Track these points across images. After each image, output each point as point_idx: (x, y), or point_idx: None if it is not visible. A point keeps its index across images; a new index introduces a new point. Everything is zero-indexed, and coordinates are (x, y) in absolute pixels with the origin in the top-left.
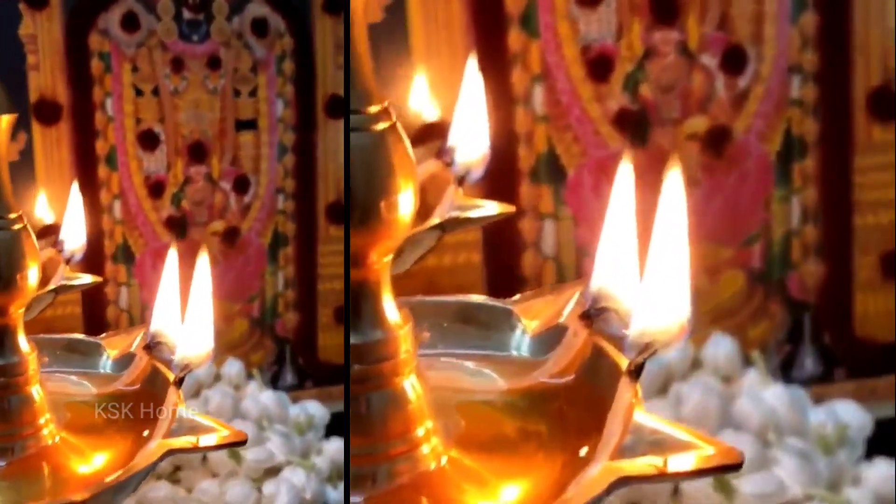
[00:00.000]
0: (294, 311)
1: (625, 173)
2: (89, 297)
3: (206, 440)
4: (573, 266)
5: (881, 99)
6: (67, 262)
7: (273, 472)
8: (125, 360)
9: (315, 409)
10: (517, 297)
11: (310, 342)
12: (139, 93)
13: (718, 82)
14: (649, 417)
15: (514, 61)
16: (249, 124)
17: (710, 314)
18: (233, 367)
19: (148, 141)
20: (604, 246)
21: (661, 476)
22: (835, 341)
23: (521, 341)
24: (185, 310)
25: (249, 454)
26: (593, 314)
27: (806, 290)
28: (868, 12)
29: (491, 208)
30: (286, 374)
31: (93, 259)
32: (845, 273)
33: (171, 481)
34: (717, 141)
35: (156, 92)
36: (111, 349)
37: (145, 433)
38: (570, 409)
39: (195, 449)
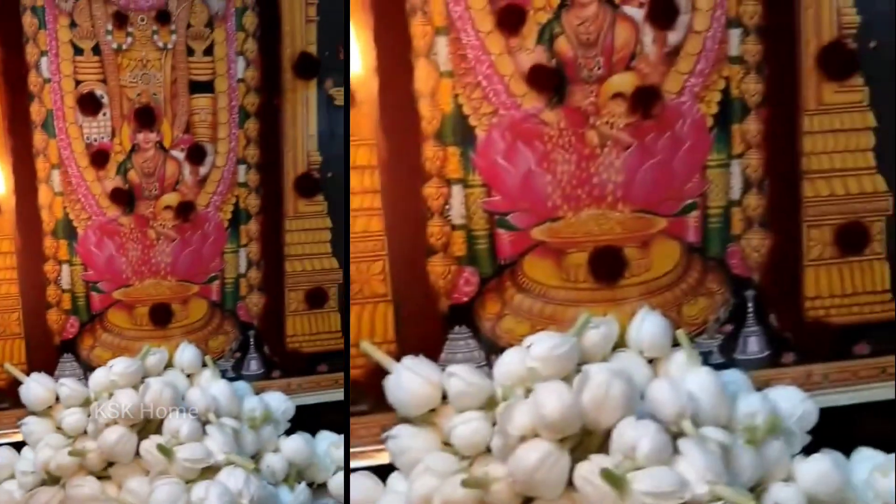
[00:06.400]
0: (259, 293)
1: None
2: (26, 276)
3: None
4: (486, 236)
5: (833, 56)
6: None
7: (212, 471)
8: None
9: (277, 402)
10: None
11: (277, 328)
12: (78, 51)
13: (647, 37)
14: None
15: (413, 12)
16: (205, 86)
17: (640, 287)
18: (185, 353)
19: (89, 104)
20: None
21: None
22: (782, 323)
23: None
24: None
25: (183, 451)
26: None
27: (748, 266)
28: None
29: None
30: (250, 363)
31: (29, 234)
32: (793, 248)
33: (101, 477)
34: (645, 101)
35: (97, 50)
36: None
37: None
38: None
39: None
